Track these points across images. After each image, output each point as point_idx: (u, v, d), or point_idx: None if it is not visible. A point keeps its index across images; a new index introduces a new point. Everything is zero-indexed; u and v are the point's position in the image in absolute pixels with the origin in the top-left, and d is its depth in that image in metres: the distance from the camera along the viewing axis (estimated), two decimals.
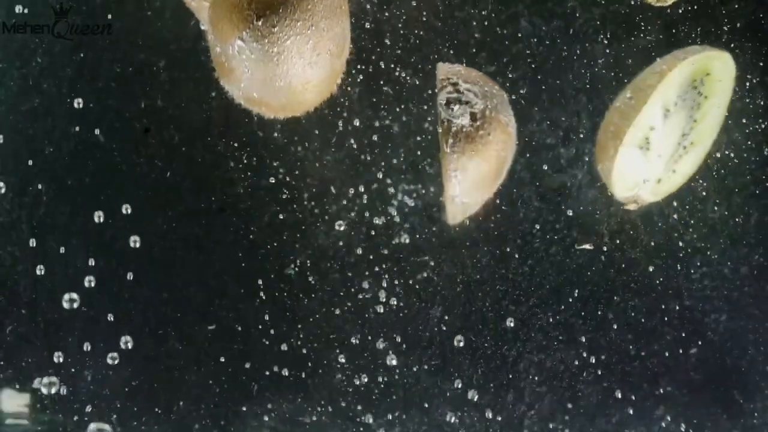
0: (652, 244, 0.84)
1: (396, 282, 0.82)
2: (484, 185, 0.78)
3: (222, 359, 0.81)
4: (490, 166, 0.76)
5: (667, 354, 0.84)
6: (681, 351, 0.84)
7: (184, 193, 0.81)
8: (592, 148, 0.81)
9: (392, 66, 0.82)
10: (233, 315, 0.81)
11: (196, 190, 0.81)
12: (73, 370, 0.80)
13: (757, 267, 0.85)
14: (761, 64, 0.83)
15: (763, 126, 0.85)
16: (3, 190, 0.79)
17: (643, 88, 0.77)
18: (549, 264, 0.83)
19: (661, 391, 0.84)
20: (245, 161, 0.81)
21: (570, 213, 0.83)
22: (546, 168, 0.83)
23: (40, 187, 0.80)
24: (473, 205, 0.79)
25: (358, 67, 0.81)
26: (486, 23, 0.83)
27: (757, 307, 0.85)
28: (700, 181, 0.84)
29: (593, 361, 0.83)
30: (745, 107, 0.85)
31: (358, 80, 0.81)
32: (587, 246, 0.82)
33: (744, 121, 0.85)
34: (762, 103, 0.85)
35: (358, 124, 0.82)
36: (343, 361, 0.81)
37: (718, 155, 0.84)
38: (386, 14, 0.82)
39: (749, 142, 0.85)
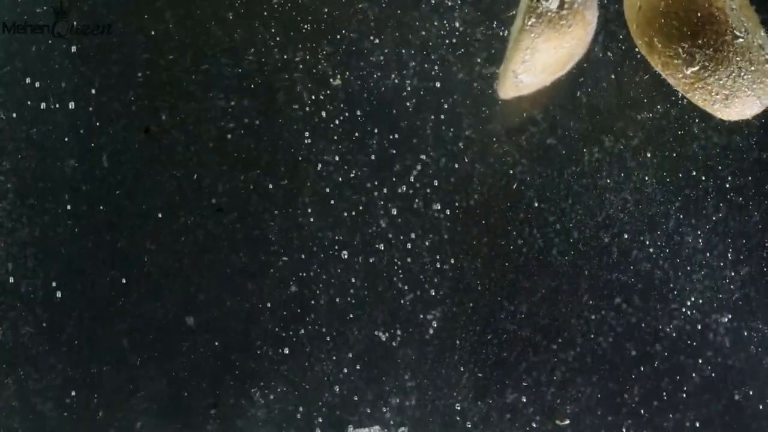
0: (656, 243, 0.84)
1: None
2: (546, 71, 0.79)
3: (221, 354, 0.81)
4: (558, 56, 0.78)
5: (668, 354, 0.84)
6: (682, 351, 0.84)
7: (183, 192, 0.81)
8: None
9: None
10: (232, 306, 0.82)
11: (195, 189, 0.81)
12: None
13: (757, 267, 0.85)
14: None
15: (763, 126, 0.85)
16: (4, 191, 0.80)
17: None
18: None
19: (663, 391, 0.84)
20: (246, 160, 0.82)
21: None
22: None
23: (40, 186, 0.80)
24: (529, 86, 0.80)
25: None
26: None
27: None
28: (700, 181, 0.84)
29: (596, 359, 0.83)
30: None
31: None
32: (566, 422, 0.83)
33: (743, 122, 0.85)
34: None
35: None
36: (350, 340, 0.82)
37: (718, 154, 0.84)
38: None
39: (749, 144, 0.85)
